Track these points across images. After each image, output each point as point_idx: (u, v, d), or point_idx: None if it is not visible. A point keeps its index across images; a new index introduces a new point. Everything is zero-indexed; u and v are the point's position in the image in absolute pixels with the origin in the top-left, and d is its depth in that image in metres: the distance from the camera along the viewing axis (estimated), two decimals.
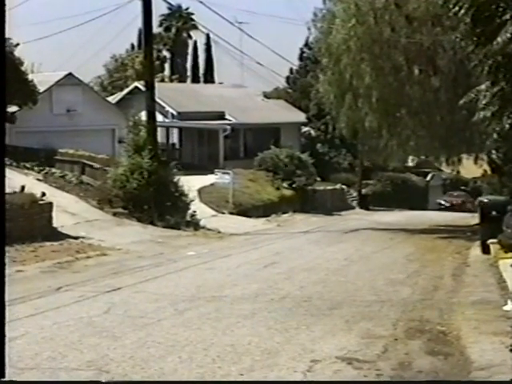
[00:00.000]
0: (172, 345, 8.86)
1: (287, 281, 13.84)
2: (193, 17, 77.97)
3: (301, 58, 59.89)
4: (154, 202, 25.36)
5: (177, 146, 51.97)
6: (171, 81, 72.16)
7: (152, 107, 26.66)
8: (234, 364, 7.94)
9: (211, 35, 70.64)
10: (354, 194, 51.06)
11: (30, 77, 36.04)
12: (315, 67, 39.89)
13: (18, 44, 35.37)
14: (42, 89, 37.82)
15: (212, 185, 38.06)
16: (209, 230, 26.10)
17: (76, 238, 20.78)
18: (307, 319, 10.27)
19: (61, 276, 15.12)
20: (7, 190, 22.29)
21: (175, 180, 26.57)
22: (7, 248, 17.57)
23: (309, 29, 27.82)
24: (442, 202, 53.33)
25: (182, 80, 74.57)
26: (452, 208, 50.00)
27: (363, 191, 50.73)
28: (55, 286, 13.58)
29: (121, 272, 15.81)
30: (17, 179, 27.28)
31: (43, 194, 21.25)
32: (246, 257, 18.58)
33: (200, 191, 36.73)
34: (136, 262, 17.55)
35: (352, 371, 7.60)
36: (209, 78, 76.74)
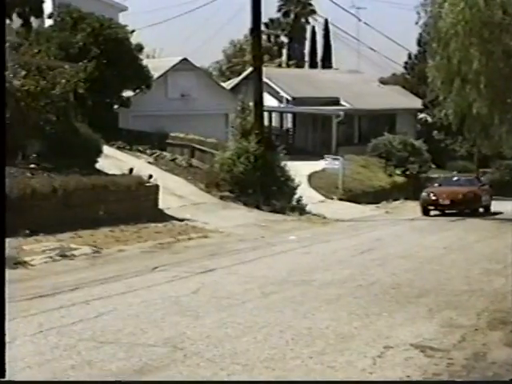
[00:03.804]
0: (250, 326, 8.96)
1: (380, 267, 13.72)
2: (311, 2, 77.92)
3: (419, 43, 58.83)
4: (260, 186, 25.58)
5: (290, 132, 52.13)
6: (288, 66, 72.38)
7: (259, 92, 26.82)
8: (307, 347, 7.96)
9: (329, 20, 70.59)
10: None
11: (144, 62, 36.86)
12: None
13: (133, 30, 36.27)
14: (157, 74, 38.66)
15: (323, 170, 38.01)
16: (314, 215, 26.11)
17: (181, 220, 21.22)
18: (391, 306, 10.17)
19: (159, 256, 15.51)
20: (117, 172, 23.04)
21: (282, 165, 26.68)
22: (113, 228, 18.20)
23: (418, 13, 27.29)
24: None
25: (300, 66, 74.66)
26: None
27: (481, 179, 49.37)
28: (152, 266, 13.95)
29: (218, 254, 16.08)
30: (129, 162, 28.12)
31: (150, 177, 21.79)
32: (344, 242, 18.53)
33: (310, 176, 36.78)
34: (235, 244, 17.80)
35: (423, 359, 7.49)
36: (326, 63, 76.40)
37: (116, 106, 36.76)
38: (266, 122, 45.36)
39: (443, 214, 28.80)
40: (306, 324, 9.04)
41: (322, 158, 38.94)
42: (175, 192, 25.51)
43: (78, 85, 21.80)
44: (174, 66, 41.03)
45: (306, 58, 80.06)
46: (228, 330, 8.77)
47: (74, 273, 13.21)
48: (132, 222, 19.08)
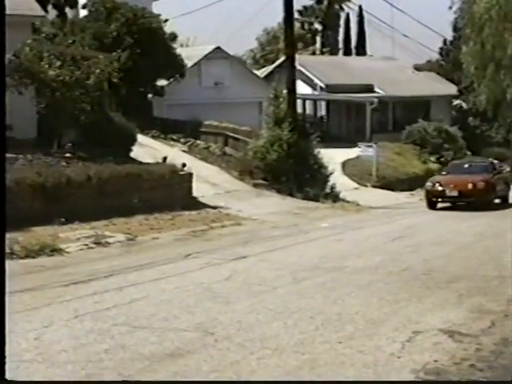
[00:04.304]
0: (281, 311, 9.07)
1: (412, 254, 13.75)
2: None
3: (454, 29, 58.28)
4: (293, 173, 25.66)
5: (324, 119, 52.05)
6: (322, 54, 72.13)
7: (292, 80, 26.85)
8: (336, 332, 8.06)
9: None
10: (507, 169, 49.36)
11: (178, 51, 37.05)
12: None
13: (166, 20, 36.47)
14: (191, 63, 38.84)
15: (357, 158, 37.96)
16: (348, 202, 26.12)
17: (214, 207, 21.39)
18: (421, 292, 10.22)
19: (192, 244, 15.68)
20: (151, 161, 23.25)
21: (315, 152, 26.72)
22: (148, 216, 18.40)
23: None
24: None
25: (334, 53, 74.33)
26: None
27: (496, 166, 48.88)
28: (185, 253, 14.12)
29: (251, 241, 16.20)
30: (163, 150, 28.34)
31: (184, 165, 21.95)
32: (377, 229, 18.56)
33: (344, 164, 36.78)
34: (269, 231, 17.91)
35: (451, 344, 7.54)
36: (360, 50, 75.94)
37: (150, 95, 37.01)
38: (299, 110, 45.36)
39: (453, 208, 24.98)
40: (336, 309, 9.13)
41: (356, 145, 38.86)
42: (209, 180, 25.69)
43: (111, 75, 22.00)
44: (208, 54, 41.18)
45: (340, 45, 79.62)
46: (259, 316, 8.89)
47: (109, 260, 13.42)
48: (166, 210, 19.26)
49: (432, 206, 24.92)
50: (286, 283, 11.04)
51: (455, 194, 24.65)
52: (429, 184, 25.63)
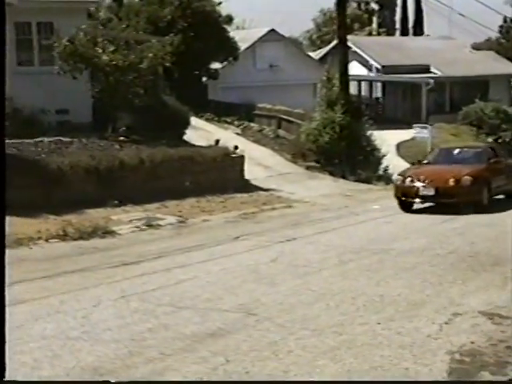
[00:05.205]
0: (323, 293, 9.19)
1: (459, 236, 13.70)
2: None
3: None
4: (345, 156, 25.66)
5: (380, 100, 51.67)
6: (378, 34, 71.47)
7: (345, 62, 26.78)
8: (376, 313, 8.14)
9: None
10: None
11: (232, 34, 37.18)
12: None
13: (220, 3, 36.58)
14: (245, 45, 38.94)
15: (412, 139, 37.63)
16: None
17: (266, 190, 21.54)
18: (466, 274, 10.23)
19: (242, 226, 15.87)
20: (205, 143, 23.48)
21: (368, 134, 26.65)
22: (199, 198, 18.66)
23: None
24: None
25: (390, 33, 73.57)
26: None
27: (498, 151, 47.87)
28: (234, 235, 14.33)
29: (301, 223, 16.32)
30: (216, 133, 28.56)
31: (236, 148, 22.12)
32: (427, 211, 18.42)
33: (399, 146, 36.53)
34: (319, 214, 17.98)
35: (490, 326, 7.58)
36: (418, 30, 74.99)
37: (205, 79, 37.24)
38: (355, 92, 45.19)
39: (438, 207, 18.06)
40: (379, 291, 9.21)
41: (412, 127, 38.52)
42: (261, 162, 25.84)
43: (164, 59, 22.25)
44: (262, 36, 41.22)
45: (397, 26, 78.77)
46: (301, 297, 9.02)
47: (159, 242, 13.69)
48: (218, 193, 19.49)
49: (405, 207, 18.12)
50: (331, 265, 11.14)
51: (431, 192, 17.79)
52: (398, 177, 19.18)
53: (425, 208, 18.17)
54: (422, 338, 7.21)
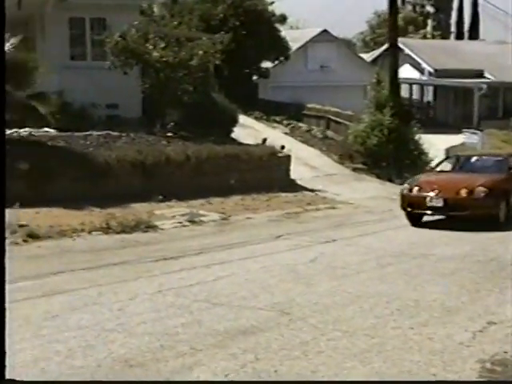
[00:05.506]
0: (359, 295, 9.19)
1: (502, 244, 13.55)
2: None
3: None
4: (392, 159, 25.54)
5: (431, 104, 51.25)
6: (433, 37, 70.84)
7: (395, 65, 26.65)
8: (410, 318, 8.13)
9: None
10: None
11: (284, 33, 37.23)
12: None
13: (272, 2, 36.64)
14: (297, 45, 38.95)
15: (461, 144, 37.29)
16: None
17: (312, 190, 21.55)
18: (505, 283, 10.11)
19: (285, 225, 15.92)
20: (252, 142, 23.56)
21: (416, 138, 26.48)
22: (244, 196, 18.74)
23: None
24: None
25: (445, 37, 72.86)
26: None
27: None
28: (276, 234, 14.39)
29: (343, 225, 16.32)
30: (264, 132, 28.64)
31: (282, 147, 22.17)
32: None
33: (448, 151, 36.16)
34: (362, 216, 17.96)
35: None
36: (473, 34, 74.15)
37: (255, 77, 37.35)
38: (406, 95, 44.88)
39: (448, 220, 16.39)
40: (415, 296, 9.18)
41: (462, 132, 38.21)
42: (308, 163, 25.85)
43: (214, 56, 22.39)
44: (314, 37, 41.19)
45: (452, 29, 77.96)
46: (336, 298, 9.04)
47: (201, 238, 13.80)
48: (263, 191, 19.55)
49: (413, 220, 16.33)
50: (369, 268, 11.14)
51: (439, 203, 15.85)
52: (405, 186, 17.18)
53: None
54: (454, 345, 7.18)
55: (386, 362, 6.62)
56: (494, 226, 15.44)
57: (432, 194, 15.98)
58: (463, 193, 15.82)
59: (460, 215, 15.80)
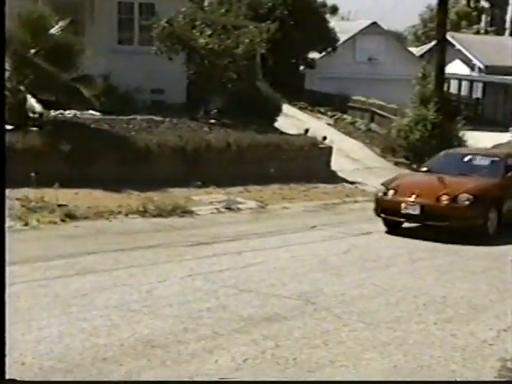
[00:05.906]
0: (386, 289, 9.22)
1: None
2: None
3: None
4: (435, 154, 25.28)
5: (480, 101, 50.65)
6: (486, 33, 69.95)
7: (442, 60, 26.37)
8: (435, 314, 8.14)
9: None
10: None
11: (332, 25, 37.12)
12: None
13: None
14: (345, 37, 38.81)
15: (507, 143, 36.86)
16: None
17: (351, 182, 21.48)
18: None
19: (321, 216, 15.93)
20: (295, 132, 23.58)
21: (460, 134, 26.22)
22: (283, 186, 18.77)
23: None
24: None
25: (499, 33, 71.87)
26: None
27: None
28: (311, 224, 14.42)
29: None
30: (308, 122, 28.61)
31: (324, 138, 22.13)
32: None
33: (493, 148, 35.82)
34: None
35: None
36: None
37: (302, 67, 37.30)
38: (455, 90, 44.49)
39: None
40: (443, 292, 9.18)
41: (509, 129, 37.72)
42: (350, 155, 25.78)
43: (260, 45, 22.42)
44: (363, 29, 40.99)
45: (507, 25, 76.85)
46: (364, 290, 9.08)
47: (236, 225, 13.90)
48: (302, 182, 19.54)
49: (389, 226, 14.07)
50: (400, 262, 11.14)
51: (415, 210, 13.48)
52: (380, 188, 14.62)
53: None
54: (477, 342, 7.19)
55: (405, 356, 6.66)
56: (482, 238, 13.25)
57: (408, 199, 13.64)
58: (444, 199, 13.39)
59: (439, 225, 13.43)
